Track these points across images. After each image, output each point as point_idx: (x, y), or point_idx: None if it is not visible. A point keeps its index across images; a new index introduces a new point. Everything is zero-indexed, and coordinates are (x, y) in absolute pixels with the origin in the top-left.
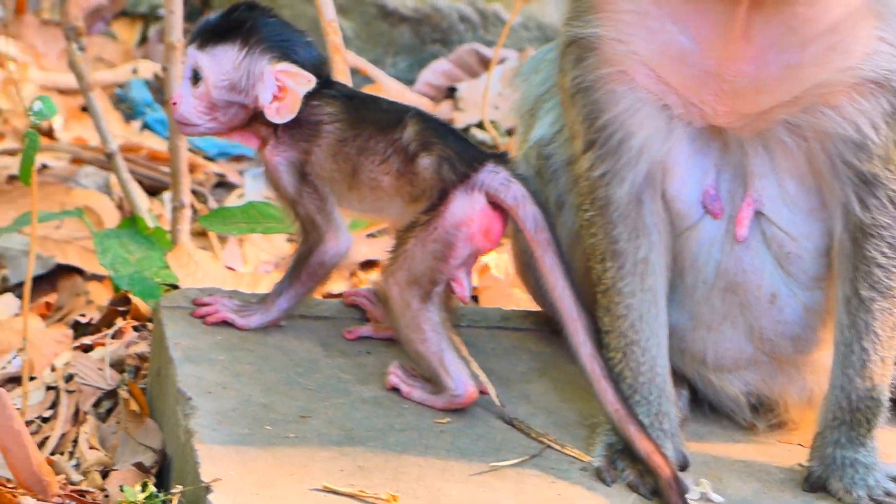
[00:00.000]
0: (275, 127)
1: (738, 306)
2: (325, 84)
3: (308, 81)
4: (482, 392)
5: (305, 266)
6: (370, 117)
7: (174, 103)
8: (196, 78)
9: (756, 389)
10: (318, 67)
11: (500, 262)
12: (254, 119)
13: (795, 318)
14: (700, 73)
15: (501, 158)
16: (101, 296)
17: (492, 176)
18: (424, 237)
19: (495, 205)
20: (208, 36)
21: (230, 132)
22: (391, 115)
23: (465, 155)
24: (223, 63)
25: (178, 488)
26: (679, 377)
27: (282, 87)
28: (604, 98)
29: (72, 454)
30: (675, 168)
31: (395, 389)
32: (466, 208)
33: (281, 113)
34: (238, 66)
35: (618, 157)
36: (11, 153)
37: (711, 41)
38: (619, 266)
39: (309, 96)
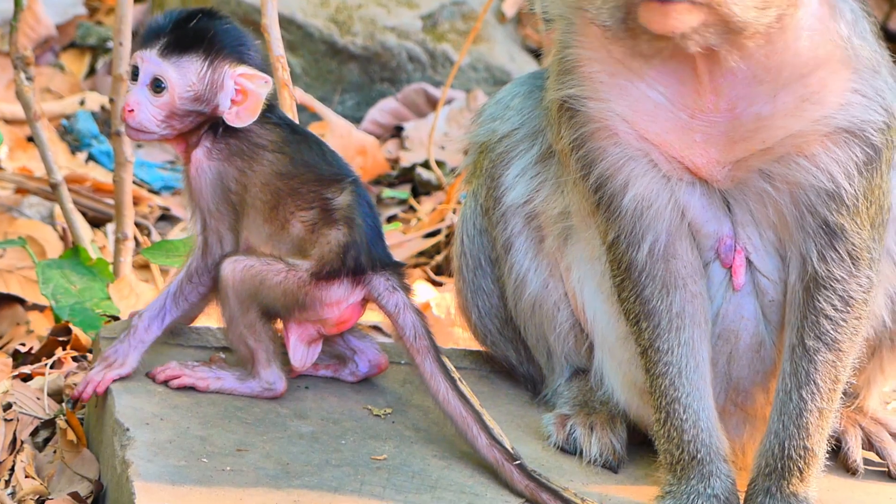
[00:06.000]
0: (213, 133)
1: (726, 356)
2: (267, 107)
3: (266, 83)
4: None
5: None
6: (313, 162)
7: (130, 110)
8: (157, 86)
9: None
10: (266, 72)
11: (441, 301)
12: (202, 124)
13: (772, 367)
14: (673, 127)
15: (397, 269)
16: (42, 325)
17: (381, 280)
18: (292, 280)
19: (366, 301)
20: (172, 45)
21: (177, 139)
22: (333, 171)
23: (373, 251)
24: (189, 74)
25: None
26: (617, 415)
27: (240, 90)
28: (593, 154)
29: (7, 482)
30: (693, 219)
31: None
32: (341, 295)
33: (241, 116)
34: (203, 77)
35: (623, 216)
36: None
37: (681, 96)
38: (655, 325)
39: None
